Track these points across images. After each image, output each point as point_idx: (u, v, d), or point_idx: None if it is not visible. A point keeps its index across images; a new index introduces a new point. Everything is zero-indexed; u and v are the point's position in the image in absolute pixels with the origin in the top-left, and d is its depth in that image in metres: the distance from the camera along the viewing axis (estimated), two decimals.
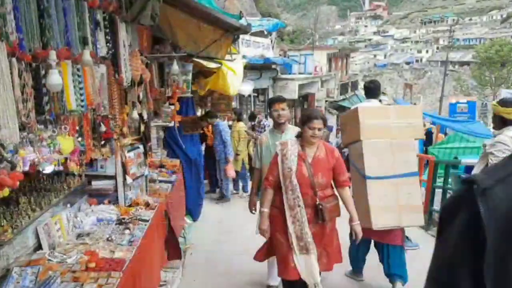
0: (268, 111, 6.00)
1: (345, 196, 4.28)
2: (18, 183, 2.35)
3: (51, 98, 2.90)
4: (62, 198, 4.53)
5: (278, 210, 4.15)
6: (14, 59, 2.43)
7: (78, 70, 3.44)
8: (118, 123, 4.49)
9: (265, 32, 20.08)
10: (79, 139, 3.10)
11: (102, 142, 4.12)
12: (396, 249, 4.92)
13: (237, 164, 10.96)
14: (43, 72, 2.78)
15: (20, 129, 2.57)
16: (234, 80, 10.92)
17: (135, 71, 5.18)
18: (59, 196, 4.47)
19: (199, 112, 12.91)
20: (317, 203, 3.97)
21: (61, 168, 3.17)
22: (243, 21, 6.95)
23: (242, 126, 11.07)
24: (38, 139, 2.74)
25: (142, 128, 5.69)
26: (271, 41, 21.96)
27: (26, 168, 2.56)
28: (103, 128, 4.06)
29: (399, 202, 4.63)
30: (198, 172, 9.27)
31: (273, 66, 17.47)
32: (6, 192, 2.27)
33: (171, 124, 8.76)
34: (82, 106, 3.49)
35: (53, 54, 2.72)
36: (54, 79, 2.70)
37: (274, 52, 22.02)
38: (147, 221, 5.04)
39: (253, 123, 11.60)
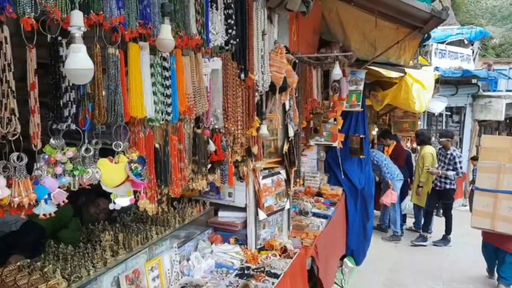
0: None
1: None
2: None
3: (85, 95, 1.76)
4: (168, 234, 3.48)
5: None
6: None
7: (164, 59, 2.28)
8: (240, 140, 3.23)
9: (465, 42, 16.96)
10: (139, 167, 1.88)
11: (209, 166, 2.91)
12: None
13: (420, 199, 8.81)
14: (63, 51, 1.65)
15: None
16: (422, 94, 8.78)
17: (276, 72, 3.88)
18: (164, 232, 3.42)
19: (374, 131, 11.12)
20: None
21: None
22: (436, 4, 5.02)
23: (429, 151, 8.82)
24: (46, 163, 1.60)
25: (286, 147, 4.37)
26: (472, 51, 18.44)
27: None
28: (212, 146, 2.84)
29: (497, 211, 5.79)
30: (365, 204, 7.53)
31: (473, 81, 14.34)
32: None
33: (335, 144, 7.27)
34: (168, 114, 2.31)
35: (77, 17, 1.56)
36: (75, 61, 1.52)
37: (475, 65, 18.44)
38: (278, 277, 3.65)
39: (439, 148, 9.09)
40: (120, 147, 1.97)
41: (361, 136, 6.94)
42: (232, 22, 3.02)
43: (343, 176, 7.35)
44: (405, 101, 8.42)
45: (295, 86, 4.14)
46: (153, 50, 2.26)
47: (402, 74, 8.02)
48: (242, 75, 3.25)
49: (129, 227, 3.33)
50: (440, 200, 8.62)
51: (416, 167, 9.11)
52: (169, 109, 2.32)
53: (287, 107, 4.39)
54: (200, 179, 2.74)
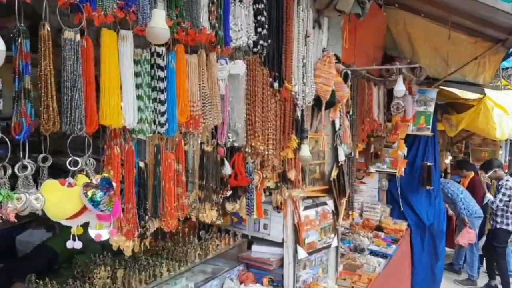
0: None
1: None
2: None
3: (23, 91, 1.30)
4: (184, 271, 2.94)
5: None
6: None
7: (158, 55, 1.79)
8: (271, 162, 2.65)
9: None
10: (98, 193, 1.35)
11: (228, 193, 2.34)
12: None
13: None
14: None
15: None
16: (504, 120, 7.63)
17: (323, 84, 3.28)
18: (178, 268, 2.89)
19: (447, 160, 10.00)
20: None
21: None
22: None
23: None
24: None
25: (334, 173, 3.70)
26: None
27: None
28: (227, 169, 2.29)
29: None
30: (434, 242, 6.56)
31: None
32: None
33: (400, 172, 6.41)
34: (161, 125, 1.79)
35: None
36: None
37: None
38: None
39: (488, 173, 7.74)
40: (78, 165, 1.47)
41: (429, 164, 6.04)
42: (263, 19, 2.49)
43: (408, 209, 6.44)
44: (484, 126, 7.32)
45: (345, 102, 3.49)
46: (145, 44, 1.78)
47: (480, 96, 7.00)
48: (276, 84, 2.68)
49: (135, 259, 2.83)
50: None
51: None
52: (163, 119, 1.81)
53: (337, 126, 3.75)
54: (208, 209, 2.18)
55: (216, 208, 2.25)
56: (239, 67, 2.28)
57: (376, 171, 6.44)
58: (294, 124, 3.00)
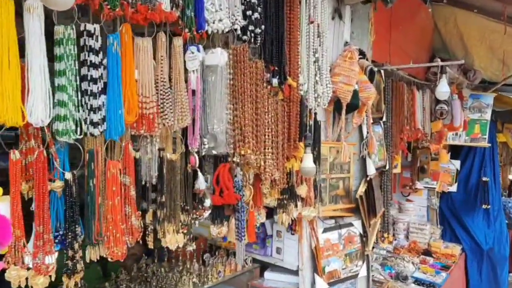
0: None
1: None
2: None
3: None
4: None
5: None
6: None
7: (89, 34, 1.40)
8: (270, 175, 2.16)
9: None
10: None
11: (205, 214, 1.89)
12: None
13: None
14: None
15: None
16: None
17: (344, 84, 2.78)
18: None
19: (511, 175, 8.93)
20: None
21: None
22: None
23: None
24: None
25: (361, 189, 3.14)
26: None
27: None
28: (201, 183, 1.84)
29: None
30: (494, 270, 5.68)
31: None
32: None
33: (452, 189, 5.66)
34: (94, 124, 1.39)
35: None
36: None
37: None
38: None
39: None
40: None
41: (484, 179, 5.25)
42: (254, 0, 2.05)
43: (462, 231, 5.65)
44: None
45: (370, 103, 2.95)
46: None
47: None
48: (275, 81, 2.22)
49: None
50: None
51: None
52: (96, 117, 1.41)
53: (364, 133, 3.20)
54: (173, 232, 1.74)
55: (185, 231, 1.80)
56: (217, 56, 1.85)
57: (425, 187, 5.71)
58: (303, 129, 2.50)
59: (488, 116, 5.21)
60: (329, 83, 2.68)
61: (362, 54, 2.99)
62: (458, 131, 4.58)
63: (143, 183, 1.76)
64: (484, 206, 5.34)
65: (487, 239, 5.64)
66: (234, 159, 2.01)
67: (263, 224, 3.11)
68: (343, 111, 2.82)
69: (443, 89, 3.43)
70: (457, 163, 5.65)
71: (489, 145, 5.32)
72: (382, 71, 3.55)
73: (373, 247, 5.13)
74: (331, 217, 3.14)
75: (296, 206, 2.55)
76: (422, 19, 4.92)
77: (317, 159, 2.75)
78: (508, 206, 7.15)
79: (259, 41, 2.13)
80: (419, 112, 4.39)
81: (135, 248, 3.66)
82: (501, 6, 4.57)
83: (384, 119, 3.60)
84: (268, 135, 2.21)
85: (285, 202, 2.51)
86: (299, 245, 2.91)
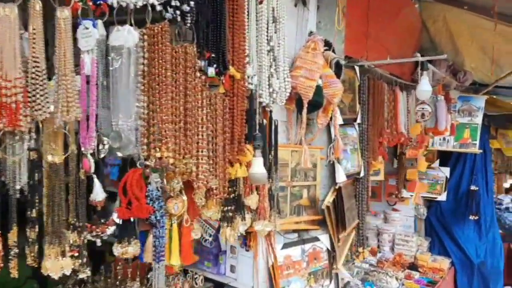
0: None
1: None
2: None
3: None
4: None
5: None
6: None
7: None
8: (203, 183, 1.80)
9: None
10: None
11: (108, 228, 1.52)
12: None
13: None
14: None
15: None
16: None
17: (305, 78, 2.42)
18: None
19: (507, 184, 8.56)
20: None
21: None
22: None
23: None
24: None
25: (328, 199, 2.77)
26: None
27: None
28: (97, 193, 1.47)
29: None
30: (486, 285, 5.31)
31: None
32: None
33: (441, 198, 5.30)
34: None
35: None
36: None
37: None
38: None
39: None
40: None
41: (473, 188, 4.88)
42: None
43: (452, 243, 5.27)
44: None
45: (336, 101, 2.58)
46: None
47: None
48: (211, 70, 1.85)
49: None
50: None
51: None
52: None
53: (333, 136, 2.83)
54: (54, 254, 1.36)
55: (75, 253, 1.43)
56: (124, 36, 1.49)
57: (411, 195, 5.34)
58: (255, 130, 2.13)
59: (479, 120, 4.85)
60: (287, 77, 2.32)
61: (328, 45, 2.63)
62: (443, 135, 4.22)
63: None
64: (471, 217, 4.97)
65: (478, 252, 5.27)
66: (148, 163, 1.63)
67: (216, 239, 2.74)
68: (304, 110, 2.46)
69: (424, 88, 3.07)
70: (446, 171, 5.29)
71: (480, 151, 4.95)
72: (357, 68, 3.19)
73: (353, 263, 4.80)
74: (294, 231, 2.77)
75: (243, 219, 2.18)
76: (407, 16, 4.57)
77: (274, 164, 2.39)
78: (503, 216, 6.78)
79: (188, 21, 1.77)
80: (402, 114, 4.03)
81: None
82: (492, 1, 4.23)
83: (359, 120, 3.24)
84: (202, 135, 1.84)
85: (230, 214, 2.14)
86: (253, 262, 2.54)
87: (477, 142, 4.89)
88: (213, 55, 1.87)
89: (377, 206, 5.65)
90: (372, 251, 5.32)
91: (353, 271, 4.65)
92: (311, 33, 2.65)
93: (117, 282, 2.57)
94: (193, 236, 1.95)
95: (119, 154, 1.52)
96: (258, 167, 1.96)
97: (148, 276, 2.74)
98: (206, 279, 2.79)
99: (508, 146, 6.43)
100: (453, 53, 5.32)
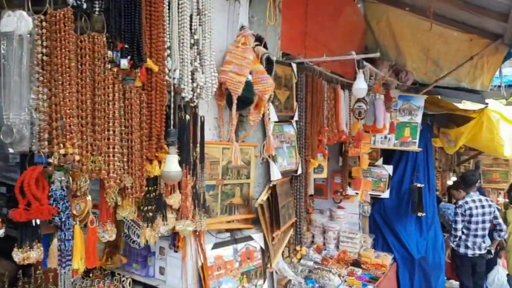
0: None
1: None
2: None
3: None
4: None
5: None
6: None
7: None
8: (120, 180, 1.70)
9: None
10: None
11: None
12: None
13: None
14: None
15: None
16: None
17: (234, 74, 2.36)
18: None
19: (451, 181, 8.87)
20: None
21: None
22: None
23: None
24: None
25: (262, 198, 2.73)
26: None
27: None
28: None
29: None
30: (428, 281, 5.45)
31: None
32: None
33: (384, 196, 5.40)
34: None
35: None
36: None
37: None
38: None
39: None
40: None
41: (418, 185, 5.00)
42: None
43: (394, 240, 5.39)
44: (489, 143, 6.24)
45: (267, 98, 2.53)
46: None
47: (482, 106, 5.98)
48: (124, 62, 1.75)
49: None
50: None
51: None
52: None
53: (267, 133, 2.79)
54: None
55: None
56: (14, 22, 1.36)
57: (357, 193, 5.41)
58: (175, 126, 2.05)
59: (418, 119, 4.97)
60: (214, 71, 2.25)
61: (259, 40, 2.58)
62: (382, 133, 4.28)
63: None
64: (419, 214, 5.06)
65: (419, 248, 5.41)
66: (51, 160, 1.52)
67: None
68: (234, 106, 2.40)
69: (360, 86, 3.08)
70: (389, 168, 5.40)
71: (420, 149, 5.07)
72: (294, 65, 3.17)
73: (300, 259, 4.79)
74: (228, 230, 2.70)
75: (165, 219, 2.09)
76: (349, 15, 4.61)
77: (200, 162, 2.32)
78: (447, 213, 6.99)
79: (97, 8, 1.66)
80: (344, 113, 4.05)
81: (5, 266, 3.11)
82: (429, 2, 4.33)
83: (296, 118, 3.22)
84: (114, 131, 1.74)
85: (151, 214, 2.05)
86: (182, 264, 2.45)
87: (417, 140, 5.01)
88: (126, 46, 1.77)
89: (323, 204, 5.70)
90: (317, 248, 5.35)
91: (298, 269, 4.66)
92: (242, 27, 2.59)
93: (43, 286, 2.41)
94: (106, 238, 1.84)
95: (11, 150, 1.39)
96: (171, 165, 1.87)
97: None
98: (135, 282, 2.67)
99: (449, 144, 6.63)
100: (395, 54, 5.44)
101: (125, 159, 1.80)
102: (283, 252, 3.30)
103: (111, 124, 1.72)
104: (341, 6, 4.25)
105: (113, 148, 1.73)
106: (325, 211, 5.58)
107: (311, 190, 3.95)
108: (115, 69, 1.74)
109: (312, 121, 3.45)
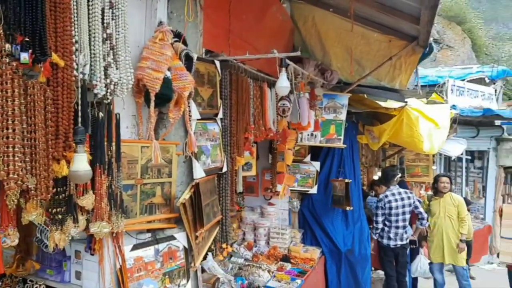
0: None
1: None
2: None
3: None
4: None
5: None
6: None
7: None
8: (22, 181, 1.60)
9: (487, 80, 15.28)
10: None
11: None
12: None
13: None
14: None
15: None
16: (434, 133, 6.94)
17: (151, 70, 2.30)
18: None
19: (376, 176, 9.29)
20: None
21: None
22: None
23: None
24: None
25: (185, 196, 2.69)
26: (495, 91, 16.50)
27: None
28: None
29: None
30: (354, 272, 5.67)
31: (497, 122, 12.42)
32: None
33: (312, 191, 5.55)
34: None
35: None
36: None
37: (498, 105, 16.45)
38: None
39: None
40: None
41: (346, 181, 5.20)
42: None
43: (322, 234, 5.56)
44: (409, 139, 6.57)
45: (187, 95, 2.50)
46: None
47: (402, 105, 6.32)
48: (24, 56, 1.64)
49: None
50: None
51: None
52: None
53: (189, 131, 2.76)
54: None
55: None
56: None
57: (293, 190, 5.52)
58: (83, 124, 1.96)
59: (343, 116, 5.16)
60: (130, 67, 2.18)
61: (178, 36, 2.55)
62: (306, 130, 4.40)
63: None
64: (347, 208, 5.25)
65: (345, 241, 5.61)
66: None
67: None
68: (152, 103, 2.34)
69: (282, 84, 3.14)
70: (317, 165, 5.56)
71: (345, 146, 5.28)
72: (218, 62, 3.16)
73: (231, 256, 4.80)
74: (149, 230, 2.64)
75: (76, 221, 2.00)
76: (275, 15, 4.67)
77: (116, 161, 2.24)
78: (374, 206, 7.31)
79: None
80: (271, 110, 4.11)
81: None
82: (349, 3, 4.50)
83: (220, 115, 3.21)
84: (14, 129, 1.63)
85: (60, 217, 1.95)
86: (99, 267, 2.36)
87: (342, 137, 5.20)
88: (27, 39, 1.67)
89: (255, 201, 5.77)
90: (248, 245, 5.39)
91: (228, 267, 4.66)
92: (160, 23, 2.54)
93: None
94: (8, 243, 1.73)
95: None
96: (80, 164, 1.79)
97: None
98: None
99: (373, 141, 6.94)
100: (321, 53, 5.60)
101: (27, 159, 1.70)
102: (212, 250, 3.29)
103: (10, 122, 1.62)
104: (266, 6, 4.30)
105: (13, 147, 1.63)
106: (256, 208, 5.64)
107: (239, 188, 3.97)
108: (14, 64, 1.63)
109: (238, 119, 3.47)
